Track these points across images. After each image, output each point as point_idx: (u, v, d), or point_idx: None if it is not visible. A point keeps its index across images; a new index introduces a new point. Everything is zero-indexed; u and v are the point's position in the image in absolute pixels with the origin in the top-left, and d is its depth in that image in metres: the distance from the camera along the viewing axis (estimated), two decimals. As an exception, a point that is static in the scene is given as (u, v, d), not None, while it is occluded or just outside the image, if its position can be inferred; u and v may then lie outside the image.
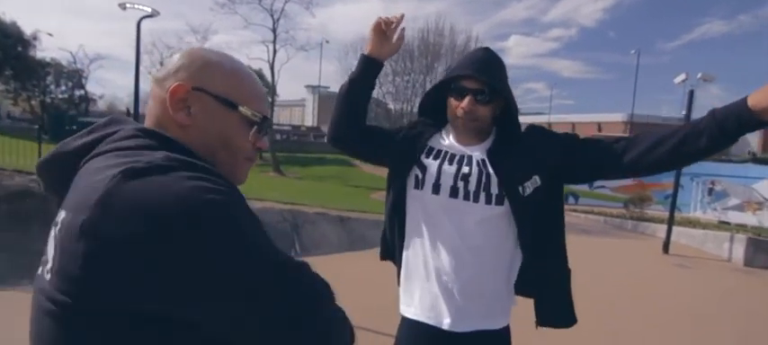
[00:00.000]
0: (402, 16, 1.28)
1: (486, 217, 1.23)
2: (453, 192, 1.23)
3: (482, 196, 1.22)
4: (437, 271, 1.25)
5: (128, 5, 5.58)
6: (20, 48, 24.40)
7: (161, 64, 26.48)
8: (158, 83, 0.68)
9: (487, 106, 1.23)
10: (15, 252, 4.62)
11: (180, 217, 0.50)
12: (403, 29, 1.33)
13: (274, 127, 27.30)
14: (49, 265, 0.56)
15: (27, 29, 24.97)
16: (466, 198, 1.22)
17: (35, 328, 0.58)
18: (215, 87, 0.68)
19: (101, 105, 29.60)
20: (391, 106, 21.40)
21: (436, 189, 1.25)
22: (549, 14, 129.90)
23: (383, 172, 1.39)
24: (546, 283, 1.28)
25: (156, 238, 0.49)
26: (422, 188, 1.27)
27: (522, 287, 1.30)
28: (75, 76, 27.77)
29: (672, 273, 7.57)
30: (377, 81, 1.40)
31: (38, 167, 0.68)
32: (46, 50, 30.40)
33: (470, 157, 1.26)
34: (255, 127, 0.72)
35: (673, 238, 9.50)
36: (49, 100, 27.03)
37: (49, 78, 27.28)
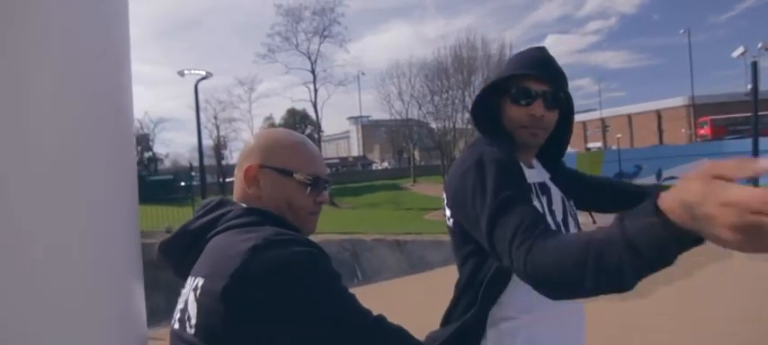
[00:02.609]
0: None
1: None
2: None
3: (571, 223, 1.05)
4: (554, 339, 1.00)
5: (185, 72, 6.22)
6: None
7: (215, 118, 28.46)
8: (239, 166, 0.86)
9: (554, 112, 1.03)
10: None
11: (296, 279, 0.69)
12: None
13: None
14: (194, 321, 0.72)
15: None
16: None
17: None
18: (276, 161, 0.84)
19: (167, 163, 32.12)
20: (433, 125, 21.43)
21: None
22: (585, 8, 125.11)
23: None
24: None
25: (282, 296, 0.67)
26: None
27: None
28: (144, 140, 30.43)
29: (745, 269, 6.85)
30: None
31: (161, 246, 0.85)
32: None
33: (544, 181, 1.07)
34: (309, 186, 0.86)
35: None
36: (122, 165, 29.70)
37: (121, 145, 30.01)
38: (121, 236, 0.80)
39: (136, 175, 0.89)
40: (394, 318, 0.78)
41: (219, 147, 28.26)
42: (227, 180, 28.50)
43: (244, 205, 0.83)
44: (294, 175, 0.84)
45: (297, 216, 0.85)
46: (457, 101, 18.59)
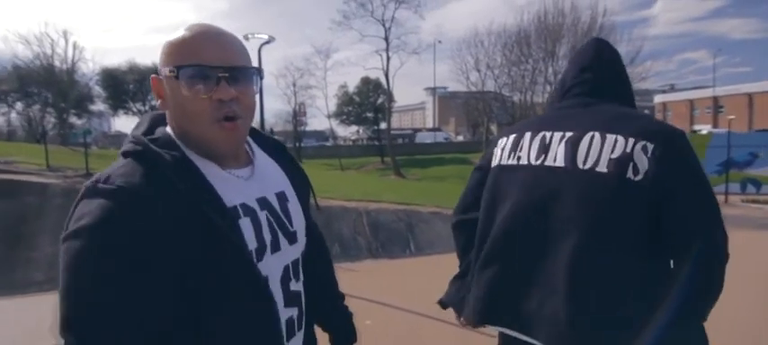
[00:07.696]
0: None
1: None
2: None
3: None
4: None
5: (250, 36, 6.53)
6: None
7: (294, 85, 29.82)
8: None
9: None
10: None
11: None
12: None
13: (393, 132, 28.05)
14: None
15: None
16: None
17: None
18: (163, 64, 0.67)
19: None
20: (513, 98, 20.23)
21: None
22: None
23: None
24: None
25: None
26: None
27: None
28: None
29: None
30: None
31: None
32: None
33: None
34: (199, 83, 0.64)
35: None
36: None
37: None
38: None
39: None
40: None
41: (298, 113, 29.48)
42: (302, 145, 29.70)
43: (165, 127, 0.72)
44: (161, 72, 0.67)
45: (198, 125, 0.66)
46: (536, 72, 17.21)
